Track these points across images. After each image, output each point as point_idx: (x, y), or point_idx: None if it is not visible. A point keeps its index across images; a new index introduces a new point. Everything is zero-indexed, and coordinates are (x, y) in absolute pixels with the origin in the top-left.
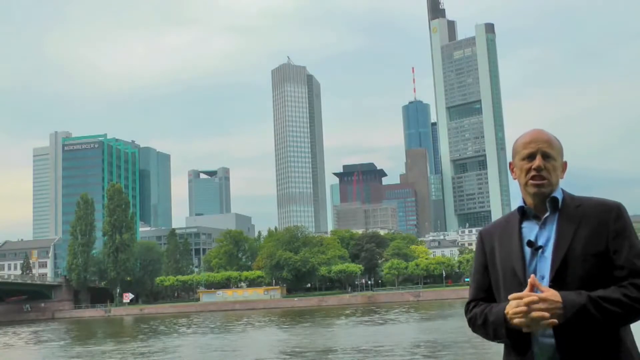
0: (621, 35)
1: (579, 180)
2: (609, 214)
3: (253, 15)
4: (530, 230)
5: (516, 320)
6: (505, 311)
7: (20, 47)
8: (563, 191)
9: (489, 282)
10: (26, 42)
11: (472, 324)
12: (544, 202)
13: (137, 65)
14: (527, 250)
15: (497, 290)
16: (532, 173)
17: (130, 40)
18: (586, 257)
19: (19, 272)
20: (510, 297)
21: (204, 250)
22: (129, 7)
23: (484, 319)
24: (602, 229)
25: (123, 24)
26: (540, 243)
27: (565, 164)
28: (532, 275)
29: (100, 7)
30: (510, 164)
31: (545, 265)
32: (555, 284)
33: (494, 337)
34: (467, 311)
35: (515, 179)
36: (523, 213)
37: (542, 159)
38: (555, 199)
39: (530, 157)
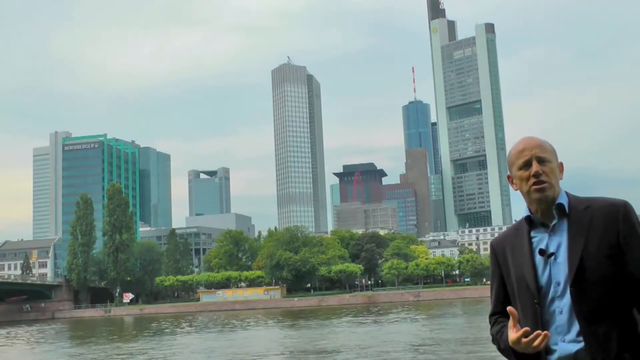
0: (622, 36)
1: (579, 180)
2: (617, 214)
3: (255, 16)
4: (540, 239)
5: (519, 348)
6: (510, 343)
7: (23, 47)
8: (567, 194)
9: (506, 294)
10: (30, 43)
11: (493, 342)
12: (550, 207)
13: (138, 66)
14: (539, 259)
15: (514, 301)
16: (532, 180)
17: (135, 41)
18: (600, 258)
19: (19, 272)
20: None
21: (204, 250)
22: (133, 8)
23: (498, 345)
24: (612, 229)
25: (127, 25)
26: (551, 250)
27: (561, 165)
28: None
29: (105, 7)
30: (508, 177)
31: (559, 271)
32: (574, 287)
33: (508, 358)
34: (490, 325)
35: (516, 189)
36: (530, 222)
37: (538, 164)
38: (561, 206)
39: (526, 164)
